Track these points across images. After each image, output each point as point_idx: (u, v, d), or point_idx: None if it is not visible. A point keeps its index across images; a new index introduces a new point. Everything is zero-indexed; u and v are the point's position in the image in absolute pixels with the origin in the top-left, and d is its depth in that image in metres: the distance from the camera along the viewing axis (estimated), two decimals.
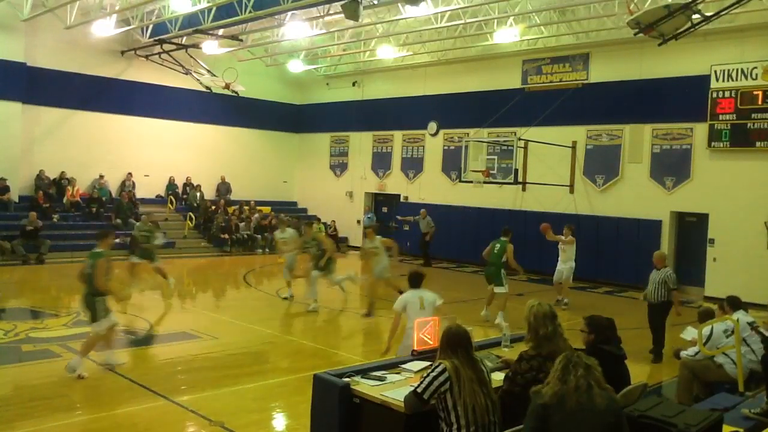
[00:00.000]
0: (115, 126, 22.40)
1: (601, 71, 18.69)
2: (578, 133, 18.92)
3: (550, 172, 18.63)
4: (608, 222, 18.21)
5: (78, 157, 21.44)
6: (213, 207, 23.38)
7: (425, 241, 21.00)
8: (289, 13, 18.03)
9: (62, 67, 21.04)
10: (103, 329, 8.18)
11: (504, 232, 12.86)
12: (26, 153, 20.42)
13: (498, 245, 12.43)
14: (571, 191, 18.86)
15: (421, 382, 4.33)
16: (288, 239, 14.49)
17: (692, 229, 17.33)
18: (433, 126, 22.77)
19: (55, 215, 19.94)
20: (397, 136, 24.01)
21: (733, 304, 7.62)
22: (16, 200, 19.94)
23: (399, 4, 16.85)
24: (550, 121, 18.39)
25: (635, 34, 11.42)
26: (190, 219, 22.74)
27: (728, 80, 16.02)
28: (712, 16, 10.93)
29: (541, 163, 18.68)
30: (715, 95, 16.17)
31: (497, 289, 12.33)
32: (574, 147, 18.84)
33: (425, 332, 5.88)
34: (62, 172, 21.13)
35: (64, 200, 20.77)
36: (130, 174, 22.59)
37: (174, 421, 6.80)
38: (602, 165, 18.57)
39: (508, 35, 18.40)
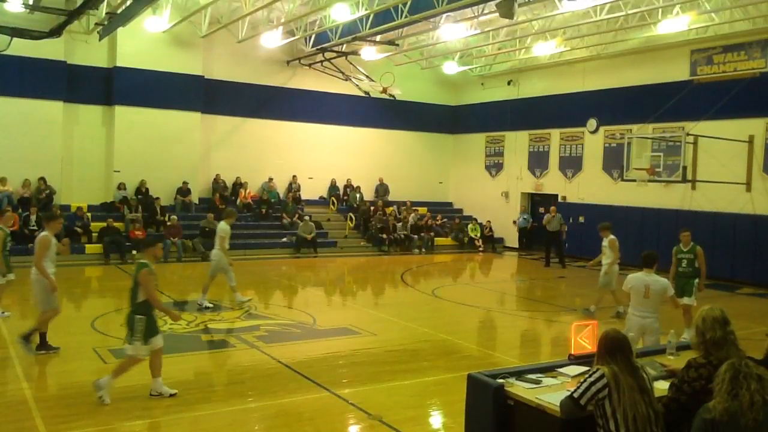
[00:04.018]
0: (281, 132, 23.83)
1: None
2: (755, 127, 17.45)
3: (723, 169, 17.37)
4: None
5: (249, 161, 23.06)
6: (372, 208, 24.12)
7: (560, 240, 20.18)
8: (444, 15, 18.20)
9: (235, 78, 22.74)
10: (141, 354, 7.18)
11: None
12: (204, 158, 22.29)
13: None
14: (748, 189, 17.45)
15: (578, 387, 4.24)
16: None
17: None
18: (592, 123, 21.99)
19: None
20: (555, 134, 23.43)
21: None
22: (196, 202, 21.81)
23: None
24: (723, 114, 17.11)
25: None
26: (351, 219, 23.62)
27: None
28: None
29: (713, 160, 17.46)
30: None
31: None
32: (750, 141, 17.41)
33: (583, 336, 5.74)
34: (237, 177, 22.80)
35: (238, 202, 22.41)
36: (295, 177, 23.89)
37: (336, 413, 7.14)
38: None
39: (674, 24, 17.35)
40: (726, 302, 13.73)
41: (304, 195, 24.01)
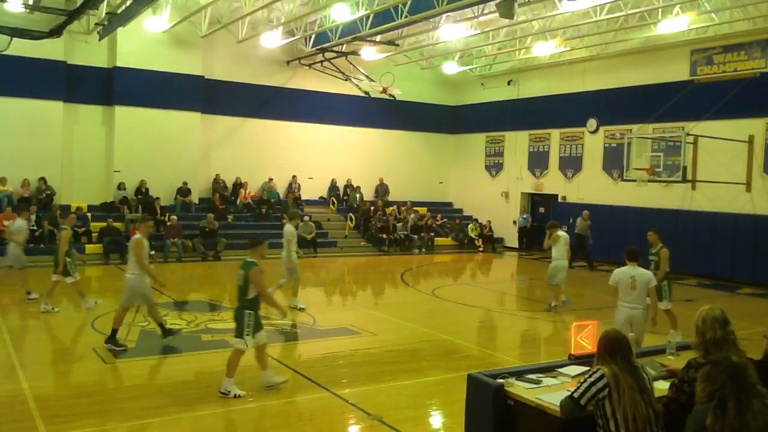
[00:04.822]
0: (281, 132, 23.82)
1: None
2: (755, 127, 17.45)
3: (723, 169, 17.37)
4: None
5: (249, 161, 23.05)
6: (372, 208, 24.12)
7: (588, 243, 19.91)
8: (444, 16, 18.21)
9: (234, 78, 22.73)
10: (245, 347, 7.47)
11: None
12: (204, 158, 22.28)
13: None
14: (748, 189, 17.45)
15: (578, 388, 4.24)
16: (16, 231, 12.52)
17: None
18: (592, 123, 21.99)
19: (230, 216, 21.54)
20: (555, 134, 23.43)
21: None
22: (197, 202, 21.81)
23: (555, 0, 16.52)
24: (723, 114, 17.10)
25: None
26: (351, 219, 23.62)
27: None
28: None
29: (713, 160, 17.46)
30: None
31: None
32: (750, 142, 17.41)
33: (583, 336, 5.75)
34: (237, 177, 22.81)
35: (238, 202, 22.41)
36: (295, 177, 23.89)
37: (336, 413, 7.14)
38: None
39: (674, 24, 17.35)
40: (726, 302, 13.74)
41: (304, 195, 24.00)
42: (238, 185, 22.80)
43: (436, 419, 7.29)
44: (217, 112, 22.47)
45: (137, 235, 9.39)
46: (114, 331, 9.26)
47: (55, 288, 11.66)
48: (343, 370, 8.82)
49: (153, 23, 19.68)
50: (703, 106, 17.45)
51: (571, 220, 21.69)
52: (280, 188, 23.75)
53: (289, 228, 12.49)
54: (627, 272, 7.94)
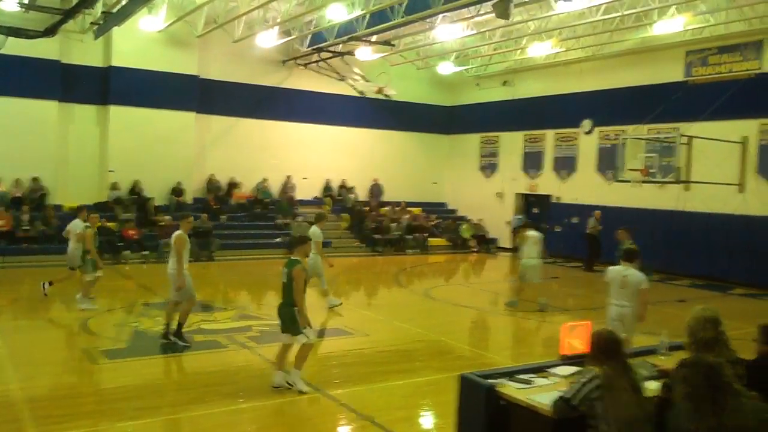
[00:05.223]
0: (276, 132, 23.78)
1: None
2: (749, 128, 17.50)
3: (716, 170, 17.38)
4: None
5: (243, 161, 23.00)
6: (366, 208, 24.08)
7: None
8: (440, 16, 18.20)
9: (230, 78, 22.67)
10: (308, 340, 7.65)
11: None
12: (198, 158, 22.22)
13: None
14: (741, 190, 17.48)
15: (571, 388, 4.25)
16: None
17: None
18: (587, 124, 22.00)
19: (224, 216, 21.49)
20: (549, 135, 23.45)
21: None
22: (191, 202, 21.74)
23: (551, 0, 16.52)
24: (717, 116, 17.10)
25: None
26: (345, 220, 23.58)
27: None
28: None
29: (707, 161, 17.45)
30: None
31: None
32: (744, 143, 17.45)
33: (574, 336, 5.74)
34: (231, 177, 22.75)
35: (232, 202, 22.36)
36: (289, 177, 23.85)
37: (327, 413, 7.15)
38: None
39: (670, 25, 17.38)
40: (719, 302, 13.80)
41: (299, 195, 23.94)
42: (233, 185, 22.76)
43: (428, 419, 7.29)
44: (212, 112, 22.41)
45: (179, 231, 9.70)
46: (179, 326, 9.55)
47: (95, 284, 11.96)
48: (336, 370, 8.81)
49: (148, 23, 19.60)
50: (698, 107, 17.46)
51: (566, 220, 21.78)
52: (275, 188, 23.72)
53: (315, 230, 12.65)
54: (620, 271, 8.11)
